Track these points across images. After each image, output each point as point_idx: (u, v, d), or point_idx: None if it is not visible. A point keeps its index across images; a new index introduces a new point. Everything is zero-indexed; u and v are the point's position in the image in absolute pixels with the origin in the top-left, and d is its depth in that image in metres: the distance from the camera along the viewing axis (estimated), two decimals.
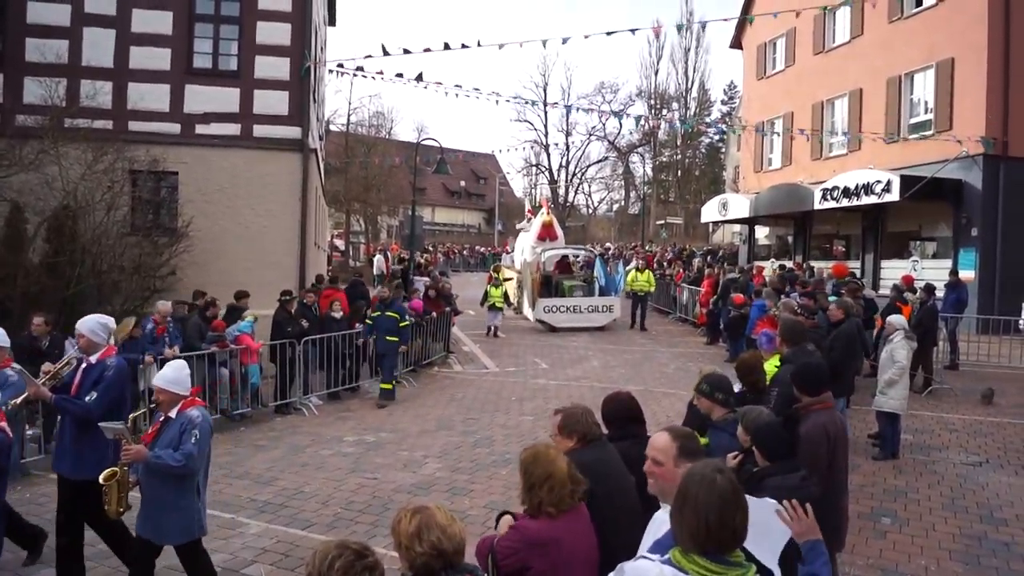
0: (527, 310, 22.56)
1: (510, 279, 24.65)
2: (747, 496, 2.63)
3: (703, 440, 4.85)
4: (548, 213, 25.11)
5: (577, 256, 27.19)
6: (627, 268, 23.92)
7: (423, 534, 2.75)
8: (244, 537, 6.89)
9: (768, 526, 3.07)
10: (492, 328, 20.53)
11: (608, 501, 3.92)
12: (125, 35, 15.41)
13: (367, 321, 13.87)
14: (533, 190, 67.78)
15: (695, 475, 2.54)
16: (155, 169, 15.08)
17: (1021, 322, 16.42)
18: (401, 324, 13.73)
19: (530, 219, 28.37)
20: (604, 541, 3.67)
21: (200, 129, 15.67)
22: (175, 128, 15.57)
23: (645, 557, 2.62)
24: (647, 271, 22.88)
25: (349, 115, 43.90)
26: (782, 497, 3.80)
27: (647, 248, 37.06)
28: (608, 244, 44.98)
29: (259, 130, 15.94)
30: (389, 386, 13.15)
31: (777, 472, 4.01)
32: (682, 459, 3.14)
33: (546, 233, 23.75)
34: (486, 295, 21.26)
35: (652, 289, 23.04)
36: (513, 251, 41.91)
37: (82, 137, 13.79)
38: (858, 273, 21.42)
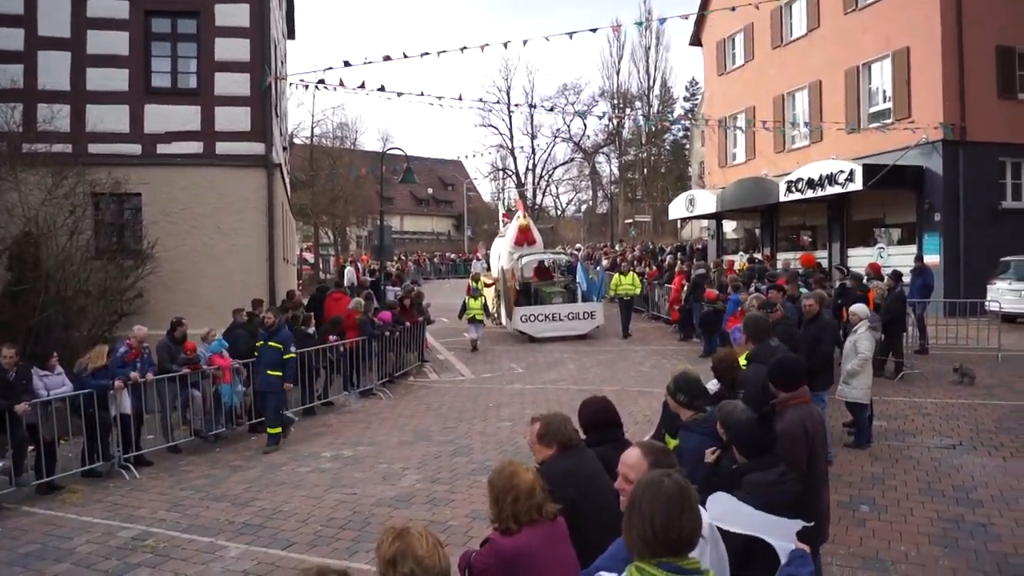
0: (505, 319, 21.48)
1: (490, 285, 23.24)
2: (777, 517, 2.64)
3: (673, 442, 4.87)
4: (524, 216, 23.97)
5: (557, 261, 25.42)
6: (599, 269, 23.43)
7: (397, 563, 2.68)
8: (224, 560, 6.80)
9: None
10: (474, 341, 19.30)
11: (589, 508, 3.92)
12: (80, 57, 15.25)
13: (254, 353, 11.86)
14: (501, 194, 67.78)
15: (643, 480, 2.53)
16: (117, 191, 14.93)
17: (987, 304, 16.66)
18: (285, 356, 11.44)
19: (505, 223, 27.27)
20: (586, 548, 3.66)
21: (162, 148, 15.52)
22: (136, 149, 15.41)
23: (603, 571, 2.62)
24: (631, 273, 21.64)
25: (313, 127, 43.70)
26: (761, 494, 3.83)
27: (616, 248, 37.11)
28: (578, 245, 45.03)
29: (222, 147, 15.81)
30: (276, 430, 11.14)
31: (756, 468, 4.02)
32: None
33: (523, 238, 22.83)
34: (464, 307, 20.29)
35: (637, 292, 21.88)
36: (483, 257, 41.95)
37: (41, 162, 13.61)
38: (825, 263, 21.65)
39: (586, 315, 20.40)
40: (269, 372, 11.32)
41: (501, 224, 29.96)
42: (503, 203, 45.37)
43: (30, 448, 9.35)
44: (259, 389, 11.53)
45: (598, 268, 23.71)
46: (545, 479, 3.65)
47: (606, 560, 2.81)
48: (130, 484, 9.53)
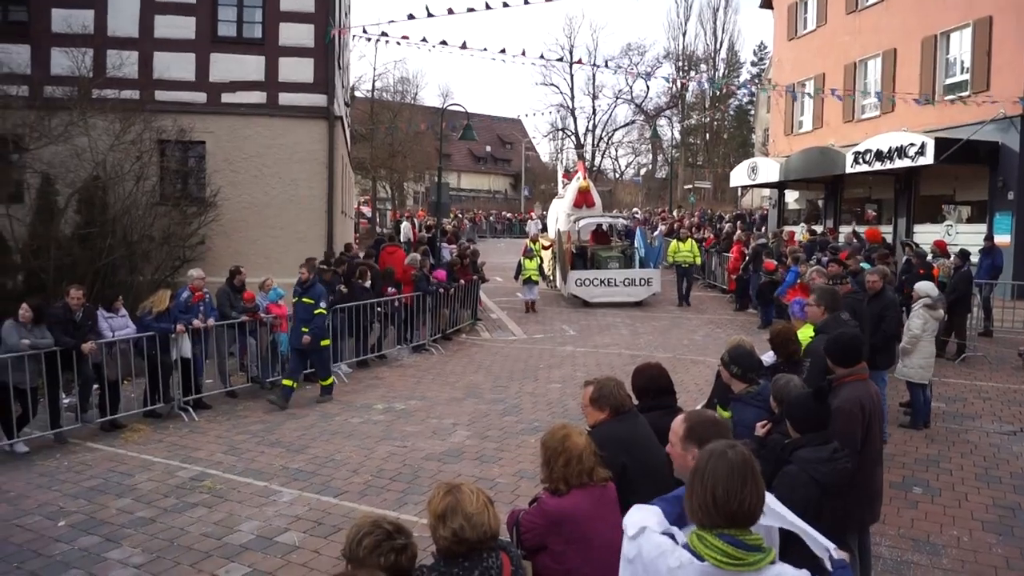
0: (560, 283, 21.11)
1: (548, 247, 22.92)
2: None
3: (725, 413, 4.83)
4: (584, 178, 23.13)
5: (615, 225, 24.45)
6: (659, 236, 22.94)
7: (447, 519, 2.73)
8: (277, 505, 6.97)
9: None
10: (529, 303, 19.22)
11: (640, 473, 3.91)
12: (150, 4, 15.48)
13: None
14: (560, 154, 67.36)
15: (707, 450, 2.50)
16: (183, 139, 15.20)
17: None
18: (315, 311, 11.11)
19: (565, 184, 26.37)
20: None
21: (226, 98, 15.72)
22: (201, 97, 15.64)
23: (667, 533, 2.60)
24: (689, 240, 20.96)
25: (374, 81, 43.89)
26: (811, 469, 3.78)
27: (674, 214, 36.67)
28: (636, 209, 44.62)
29: (284, 98, 15.97)
30: (290, 383, 10.86)
31: (808, 444, 3.96)
32: (688, 442, 3.07)
33: (583, 200, 22.08)
34: (519, 268, 19.99)
35: (696, 260, 21.25)
36: (538, 218, 41.79)
37: (110, 108, 13.88)
38: (890, 239, 21.11)
39: (643, 282, 19.90)
40: (304, 330, 11.01)
41: (560, 185, 29.26)
42: (562, 164, 44.88)
43: (95, 387, 9.66)
44: (292, 345, 11.18)
45: (655, 234, 23.35)
46: (597, 443, 3.66)
47: (670, 504, 2.76)
48: (189, 426, 9.80)
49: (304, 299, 11.15)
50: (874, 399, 4.93)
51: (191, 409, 10.25)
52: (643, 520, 2.63)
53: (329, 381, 11.23)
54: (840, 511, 4.31)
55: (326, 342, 11.30)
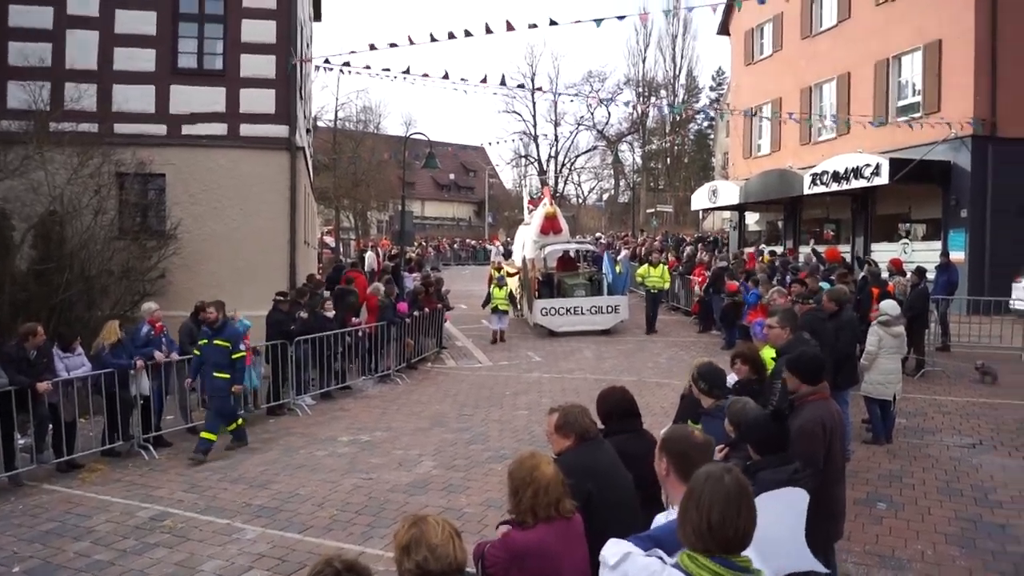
0: (527, 311, 20.57)
1: (514, 275, 22.08)
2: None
3: (696, 427, 4.86)
4: (551, 204, 22.58)
5: (583, 251, 24.16)
6: (625, 261, 22.86)
7: (411, 551, 2.70)
8: (240, 543, 6.85)
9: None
10: (497, 333, 18.82)
11: (606, 500, 3.91)
12: (109, 36, 15.31)
13: (195, 351, 10.56)
14: (523, 180, 67.68)
15: (702, 473, 2.54)
16: (142, 171, 15.02)
17: (1012, 302, 16.46)
18: (233, 355, 10.21)
19: (531, 211, 25.90)
20: (602, 541, 3.65)
21: (186, 130, 15.58)
22: (161, 129, 15.49)
23: (655, 555, 2.62)
24: (660, 265, 20.66)
25: (336, 111, 43.67)
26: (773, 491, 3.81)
27: (637, 238, 36.95)
28: (598, 234, 44.92)
29: (246, 129, 15.86)
30: (212, 436, 9.90)
31: (769, 465, 4.00)
32: (661, 454, 3.27)
33: (549, 226, 21.46)
34: (489, 297, 19.69)
35: (667, 286, 21.10)
36: (500, 245, 41.82)
37: (67, 141, 13.68)
38: (848, 258, 21.44)
39: (609, 309, 19.53)
40: (216, 374, 10.07)
41: (526, 212, 29.00)
42: (528, 190, 45.04)
43: (50, 427, 9.42)
44: (206, 392, 10.38)
45: (620, 258, 23.34)
46: (563, 470, 3.64)
47: (643, 543, 2.79)
48: (149, 464, 9.63)
49: (217, 342, 10.15)
50: (835, 418, 5.00)
51: (151, 447, 10.06)
52: (624, 547, 2.67)
53: (213, 436, 9.97)
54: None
55: (238, 388, 10.42)
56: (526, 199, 33.06)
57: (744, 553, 2.45)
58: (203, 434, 9.96)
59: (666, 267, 21.15)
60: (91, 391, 9.78)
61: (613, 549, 2.70)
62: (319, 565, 2.51)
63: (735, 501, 2.41)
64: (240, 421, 10.49)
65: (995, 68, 19.51)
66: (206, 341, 10.30)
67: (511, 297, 20.29)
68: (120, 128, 15.12)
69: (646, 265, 20.64)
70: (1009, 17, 19.47)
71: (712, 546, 2.39)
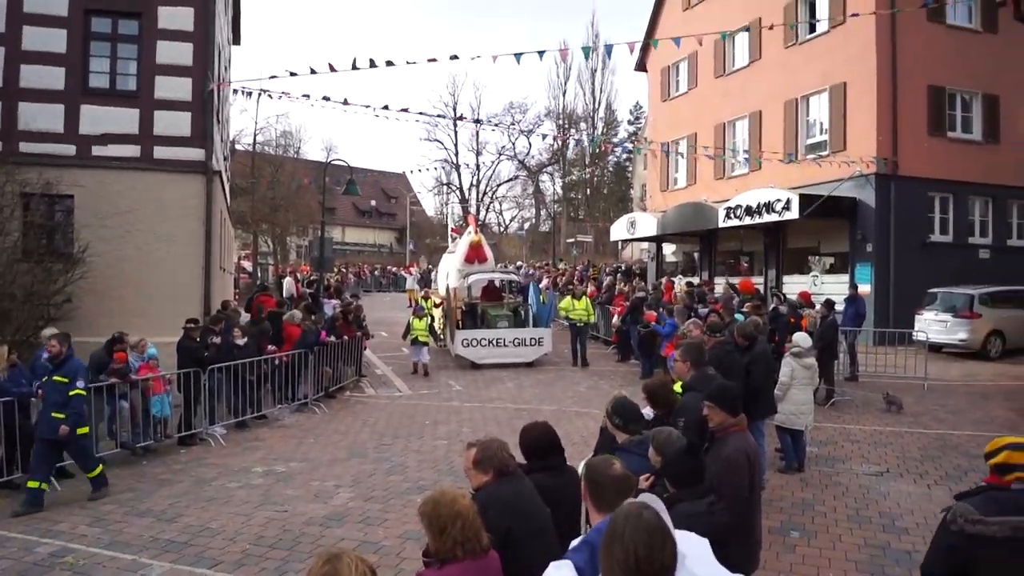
0: (449, 342, 20.17)
1: (439, 305, 21.79)
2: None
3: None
4: (476, 232, 21.66)
5: (508, 281, 23.69)
6: (549, 291, 22.83)
7: None
8: None
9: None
10: (418, 365, 18.08)
11: (525, 535, 3.90)
12: (15, 53, 14.83)
13: (37, 390, 9.51)
14: (445, 208, 67.69)
15: (622, 511, 2.58)
16: (48, 192, 14.51)
17: (915, 334, 17.15)
18: (72, 392, 9.00)
19: (455, 239, 25.42)
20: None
21: (97, 151, 15.14)
22: (70, 149, 15.01)
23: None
24: (584, 297, 19.83)
25: (256, 134, 43.10)
26: (691, 524, 3.86)
27: (557, 267, 37.26)
28: (519, 263, 45.18)
29: (160, 152, 15.50)
30: (37, 484, 8.77)
31: (686, 498, 4.05)
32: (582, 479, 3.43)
33: (474, 255, 20.73)
34: (408, 328, 18.78)
35: (592, 319, 20.40)
36: (416, 272, 41.60)
37: None
38: (761, 289, 22.07)
39: (532, 341, 19.08)
40: (54, 415, 8.91)
41: (450, 240, 28.57)
42: (452, 217, 44.89)
43: None
44: (42, 436, 9.00)
45: (541, 286, 23.35)
46: (480, 506, 3.62)
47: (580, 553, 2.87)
48: (50, 497, 9.17)
49: (56, 378, 9.05)
50: (754, 448, 5.11)
51: (52, 479, 9.58)
52: (566, 571, 2.72)
53: (97, 471, 9.33)
54: (723, 562, 4.39)
55: (83, 430, 9.25)
56: (451, 226, 32.62)
57: None
58: (29, 483, 8.82)
59: (588, 298, 20.49)
60: None
61: (555, 573, 2.76)
62: None
63: (657, 535, 2.47)
64: (100, 468, 9.41)
65: (895, 110, 20.56)
66: (46, 378, 9.22)
67: (431, 328, 19.59)
68: (26, 147, 14.61)
69: (568, 298, 20.03)
70: (908, 61, 20.57)
71: None
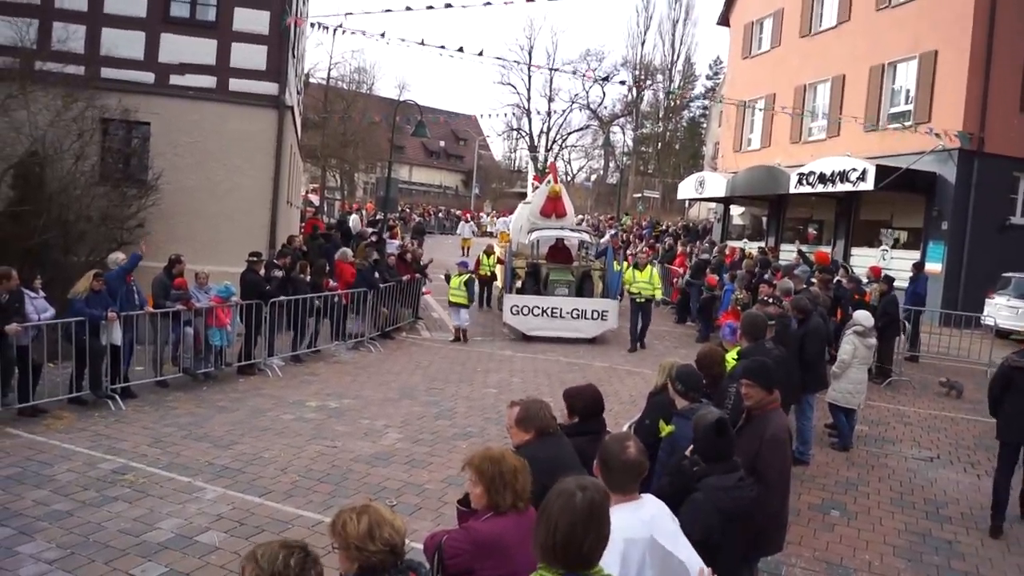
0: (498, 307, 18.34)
1: (500, 262, 19.92)
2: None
3: (668, 428, 4.91)
4: (556, 182, 19.15)
5: (584, 240, 20.75)
6: (603, 242, 21.66)
7: (375, 532, 2.73)
8: (200, 503, 6.87)
9: None
10: (458, 331, 16.05)
11: None
12: None
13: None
14: (513, 155, 67.49)
15: (558, 487, 2.54)
16: (127, 119, 14.86)
17: (983, 318, 16.64)
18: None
19: (535, 187, 22.34)
20: None
21: (175, 80, 15.41)
22: (149, 77, 15.30)
23: None
24: (648, 267, 16.51)
25: (330, 69, 43.18)
26: (716, 497, 3.89)
27: (621, 223, 36.89)
28: (580, 216, 44.92)
29: (235, 84, 15.71)
30: None
31: (715, 472, 4.07)
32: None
33: (552, 208, 18.45)
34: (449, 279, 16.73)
35: (657, 294, 17.19)
36: (471, 220, 41.29)
37: (52, 82, 13.49)
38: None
39: (596, 314, 16.38)
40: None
41: (530, 189, 25.52)
42: (535, 162, 43.16)
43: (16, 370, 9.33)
44: None
45: (603, 241, 22.35)
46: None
47: None
48: (115, 415, 9.59)
49: None
50: (788, 426, 5.10)
51: (118, 397, 10.02)
52: None
53: None
54: (750, 538, 4.42)
55: None
56: (531, 174, 29.76)
57: (603, 565, 2.48)
58: None
59: (655, 270, 17.06)
60: (61, 337, 9.69)
61: None
62: (284, 550, 2.56)
63: (583, 520, 2.40)
64: None
65: (987, 84, 19.64)
66: None
67: (468, 285, 16.47)
68: (107, 73, 14.93)
69: (631, 269, 16.57)
70: (1006, 34, 19.57)
71: (557, 563, 2.41)
